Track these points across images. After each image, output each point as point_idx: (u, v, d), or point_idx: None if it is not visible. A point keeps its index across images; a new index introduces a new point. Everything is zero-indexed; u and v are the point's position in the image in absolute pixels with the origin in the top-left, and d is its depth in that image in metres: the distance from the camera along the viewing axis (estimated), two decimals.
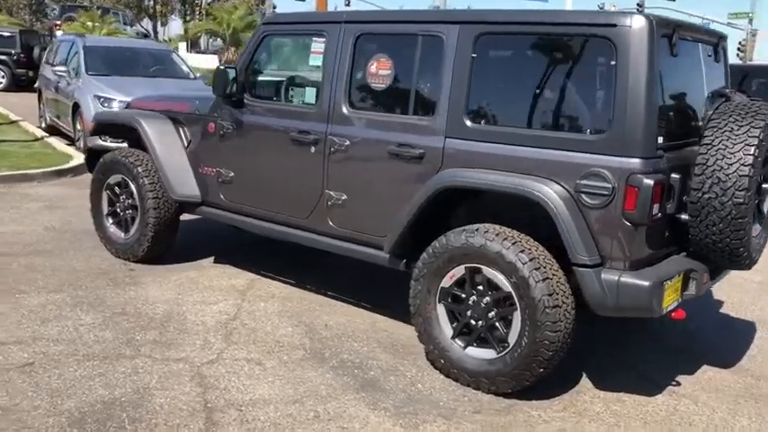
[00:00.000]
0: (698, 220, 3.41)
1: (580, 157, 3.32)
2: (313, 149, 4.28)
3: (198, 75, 12.02)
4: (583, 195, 3.31)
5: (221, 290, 4.92)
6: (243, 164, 4.70)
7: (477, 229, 3.55)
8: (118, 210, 5.44)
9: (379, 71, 4.01)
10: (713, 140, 3.37)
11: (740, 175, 3.27)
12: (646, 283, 3.24)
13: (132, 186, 5.23)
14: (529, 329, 3.41)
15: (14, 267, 5.10)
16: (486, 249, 3.49)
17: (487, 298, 3.59)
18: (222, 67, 4.56)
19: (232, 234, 6.10)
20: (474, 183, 3.56)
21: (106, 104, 9.77)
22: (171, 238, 5.35)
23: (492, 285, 3.56)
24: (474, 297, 3.64)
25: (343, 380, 3.71)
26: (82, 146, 9.20)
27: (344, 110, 4.13)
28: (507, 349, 3.52)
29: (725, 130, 3.36)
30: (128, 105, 5.76)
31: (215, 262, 5.53)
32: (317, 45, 4.32)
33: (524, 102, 3.63)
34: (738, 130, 3.33)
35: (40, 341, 3.91)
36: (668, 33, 3.36)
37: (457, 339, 3.72)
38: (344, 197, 4.17)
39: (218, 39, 31.58)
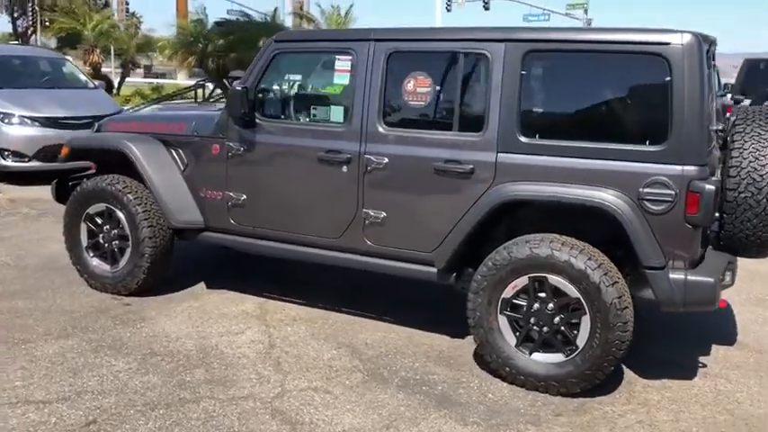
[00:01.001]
0: (733, 216, 3.76)
1: (641, 167, 3.55)
2: (345, 168, 4.23)
3: (97, 83, 11.25)
4: (646, 203, 3.54)
5: (237, 317, 4.74)
6: (258, 186, 4.55)
7: (541, 240, 3.70)
8: (100, 241, 5.06)
9: (418, 89, 4.04)
10: (743, 144, 3.73)
11: None
12: (711, 280, 3.54)
13: (120, 215, 4.89)
14: (600, 331, 3.61)
15: None
16: (554, 259, 3.65)
17: (551, 305, 3.75)
18: (239, 88, 4.38)
19: (208, 258, 5.91)
20: (541, 195, 3.70)
21: (6, 120, 9.00)
22: (166, 268, 5.07)
23: (557, 293, 3.72)
24: (537, 305, 3.78)
25: (417, 398, 3.73)
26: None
27: (380, 128, 4.12)
28: (577, 352, 3.71)
29: (752, 135, 3.72)
30: (98, 128, 5.35)
31: (208, 288, 5.30)
32: (342, 63, 4.26)
33: (579, 116, 3.82)
34: (766, 134, 3.70)
35: (86, 395, 3.61)
36: (707, 48, 3.66)
37: (521, 347, 3.85)
38: (383, 215, 4.17)
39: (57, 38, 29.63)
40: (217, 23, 18.57)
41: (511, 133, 3.79)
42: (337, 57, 4.30)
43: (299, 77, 4.72)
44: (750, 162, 3.69)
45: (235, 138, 4.57)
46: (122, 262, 4.98)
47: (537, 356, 3.83)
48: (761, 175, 3.67)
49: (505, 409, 3.66)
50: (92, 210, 5.02)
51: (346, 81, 4.26)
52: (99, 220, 5.04)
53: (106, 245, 5.05)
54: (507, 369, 3.87)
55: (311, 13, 27.49)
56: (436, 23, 29.84)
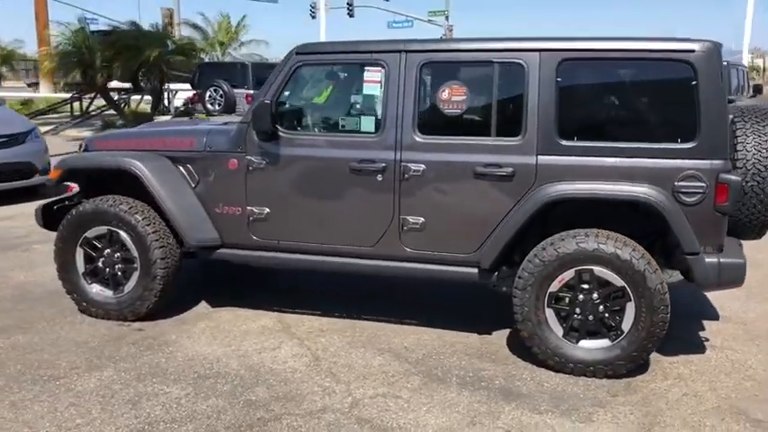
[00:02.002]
0: (741, 203, 4.22)
1: (675, 163, 3.91)
2: (380, 177, 4.30)
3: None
4: (681, 195, 3.90)
5: (262, 333, 4.67)
6: (284, 198, 4.51)
7: (587, 235, 3.97)
8: (100, 266, 4.80)
9: (453, 97, 4.19)
10: (746, 140, 4.20)
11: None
12: (742, 261, 3.96)
13: (125, 237, 4.67)
14: (645, 315, 3.93)
15: (1, 353, 4.28)
16: (601, 251, 3.93)
17: (596, 295, 4.03)
18: (267, 101, 4.32)
19: (197, 277, 5.76)
20: (588, 193, 3.96)
21: None
22: (174, 289, 4.88)
23: (602, 283, 4.00)
24: (582, 296, 4.05)
25: (482, 394, 3.88)
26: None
27: (415, 136, 4.23)
28: (623, 336, 4.00)
29: (753, 131, 4.20)
30: (85, 147, 5.04)
31: (213, 306, 5.15)
32: (372, 74, 4.32)
33: (613, 118, 4.13)
34: (763, 129, 4.19)
35: (159, 425, 3.46)
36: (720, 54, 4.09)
37: (567, 337, 4.10)
38: (422, 220, 4.28)
39: None
40: (103, 33, 17.63)
41: (550, 136, 4.04)
42: (366, 68, 4.36)
43: (322, 89, 4.72)
44: (754, 155, 4.16)
45: (256, 151, 4.50)
46: (128, 286, 4.75)
47: (584, 344, 4.09)
48: (765, 166, 4.15)
49: (566, 395, 3.89)
50: (91, 233, 4.75)
51: (377, 92, 4.33)
52: (98, 244, 4.78)
53: (107, 269, 4.79)
54: (556, 358, 4.10)
55: (195, 21, 26.84)
56: (321, 35, 29.90)
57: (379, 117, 4.32)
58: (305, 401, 3.74)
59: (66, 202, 5.08)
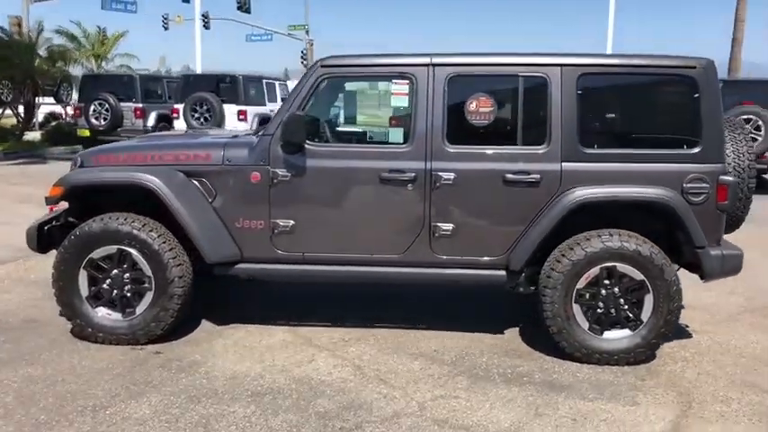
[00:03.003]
0: None
1: (683, 167, 4.36)
2: (410, 186, 4.43)
3: None
4: (689, 196, 4.36)
5: (286, 347, 4.62)
6: (310, 210, 4.50)
7: (611, 234, 4.33)
8: (106, 288, 4.54)
9: (480, 108, 4.41)
10: (727, 147, 4.75)
11: (750, 168, 4.72)
12: (740, 252, 4.48)
13: (138, 257, 4.46)
14: (663, 305, 4.34)
15: (14, 386, 3.94)
16: (624, 249, 4.30)
17: (617, 289, 4.40)
18: (300, 114, 4.31)
19: None
20: (612, 196, 4.32)
21: None
22: (189, 308, 4.70)
23: (623, 278, 4.37)
24: (605, 291, 4.40)
25: (531, 388, 4.10)
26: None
27: (445, 146, 4.41)
28: (642, 325, 4.39)
29: (730, 139, 4.76)
30: (81, 163, 4.72)
31: (218, 325, 5.01)
32: (400, 87, 4.44)
33: (628, 126, 4.52)
34: (739, 137, 4.77)
35: None
36: None
37: (592, 329, 4.43)
38: (452, 227, 4.45)
39: None
40: None
41: (572, 144, 4.36)
42: (394, 81, 4.47)
43: (348, 101, 4.76)
44: (734, 159, 4.71)
45: (280, 164, 4.47)
46: (141, 307, 4.53)
47: (607, 335, 4.44)
48: (743, 169, 4.72)
49: (602, 383, 4.21)
50: (97, 254, 4.48)
51: (405, 104, 4.46)
52: (103, 265, 4.52)
53: (114, 292, 4.54)
54: (584, 350, 4.41)
55: (67, 28, 25.15)
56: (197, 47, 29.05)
57: (408, 128, 4.45)
58: (373, 409, 3.78)
59: (54, 222, 4.74)
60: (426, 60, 4.44)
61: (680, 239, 4.46)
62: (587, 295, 4.41)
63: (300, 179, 4.48)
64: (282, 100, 16.72)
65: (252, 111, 15.02)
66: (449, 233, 4.46)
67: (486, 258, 4.52)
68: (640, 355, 4.43)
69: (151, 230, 4.45)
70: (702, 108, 4.36)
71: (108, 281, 4.53)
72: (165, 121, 16.03)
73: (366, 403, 3.84)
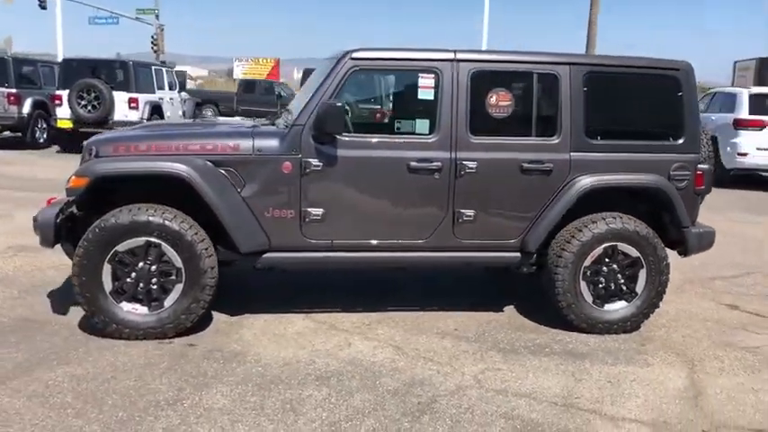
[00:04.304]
0: None
1: (669, 156, 4.96)
2: (437, 175, 4.68)
3: None
4: (675, 182, 4.96)
5: (316, 333, 4.72)
6: (340, 199, 4.62)
7: (613, 217, 4.85)
8: (130, 282, 4.40)
9: (500, 102, 4.75)
10: None
11: (709, 162, 5.44)
12: (713, 229, 5.16)
13: (168, 248, 4.37)
14: (655, 279, 4.93)
15: (66, 386, 3.77)
16: (625, 230, 4.83)
17: (616, 265, 4.93)
18: (339, 104, 4.40)
19: None
20: (615, 182, 4.82)
21: None
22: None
23: (622, 255, 4.90)
24: (605, 268, 4.91)
25: (558, 357, 4.51)
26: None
27: (468, 137, 4.70)
28: (637, 297, 4.96)
29: None
30: (96, 153, 4.47)
31: (232, 315, 4.99)
32: (426, 80, 4.65)
33: (626, 120, 5.02)
34: (702, 134, 5.47)
35: (340, 424, 3.50)
36: None
37: (595, 303, 4.93)
38: (474, 212, 4.76)
39: None
40: None
41: (580, 136, 4.82)
42: (420, 74, 4.69)
43: (378, 92, 4.88)
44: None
45: (312, 154, 4.55)
46: (169, 300, 4.44)
47: (608, 307, 4.96)
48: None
49: (612, 349, 4.71)
50: (123, 247, 4.33)
51: (431, 96, 4.68)
52: (128, 259, 4.37)
53: (140, 285, 4.41)
54: (590, 321, 4.91)
55: None
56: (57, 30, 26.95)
57: (434, 119, 4.69)
58: (435, 384, 4.02)
59: (60, 215, 4.50)
60: (451, 56, 4.70)
61: (666, 220, 5.06)
62: (592, 272, 4.90)
63: (332, 169, 4.58)
64: (170, 87, 16.17)
65: (143, 98, 14.38)
66: (471, 219, 4.77)
67: (503, 241, 4.87)
68: (635, 323, 4.99)
69: (182, 221, 4.37)
70: (684, 104, 4.98)
71: (133, 274, 4.39)
72: (41, 109, 14.93)
73: (426, 379, 4.07)
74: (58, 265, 6.08)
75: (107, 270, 4.35)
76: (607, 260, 4.90)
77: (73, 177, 4.32)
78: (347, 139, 4.59)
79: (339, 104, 4.42)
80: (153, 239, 4.34)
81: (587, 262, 4.85)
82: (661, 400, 3.96)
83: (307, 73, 14.83)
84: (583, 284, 4.88)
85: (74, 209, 4.57)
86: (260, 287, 5.72)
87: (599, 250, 4.86)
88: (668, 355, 4.66)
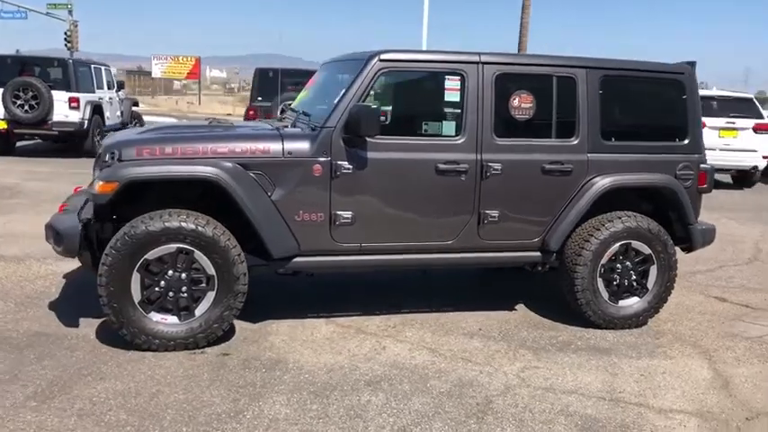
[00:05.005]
0: None
1: (675, 156, 5.17)
2: (464, 177, 4.71)
3: None
4: (681, 180, 5.18)
5: (345, 338, 4.67)
6: (370, 201, 4.57)
7: (628, 216, 5.01)
8: (160, 291, 4.23)
9: (522, 104, 4.82)
10: None
11: None
12: (714, 226, 5.41)
13: (200, 255, 4.23)
14: (665, 274, 5.14)
15: (112, 402, 3.59)
16: (640, 228, 5.01)
17: (629, 262, 5.10)
18: (374, 106, 4.35)
19: None
20: (633, 182, 4.98)
21: None
22: None
23: (635, 252, 5.08)
24: (620, 265, 5.08)
25: (585, 353, 4.64)
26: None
27: (493, 139, 4.76)
28: (648, 292, 5.15)
29: None
30: (119, 157, 4.24)
31: (254, 322, 4.86)
32: (453, 82, 4.67)
33: (637, 122, 5.19)
34: None
35: (411, 428, 3.48)
36: None
37: (610, 300, 5.09)
38: (498, 213, 4.82)
39: None
40: None
41: (596, 138, 4.96)
42: (447, 76, 4.70)
43: (406, 94, 4.84)
44: None
45: (342, 156, 4.49)
46: (200, 309, 4.29)
47: (621, 303, 5.12)
48: None
49: (633, 344, 4.87)
50: (152, 254, 4.16)
51: (457, 98, 4.71)
52: (157, 267, 4.20)
53: (170, 294, 4.25)
54: (606, 318, 5.06)
55: None
56: None
57: (460, 121, 4.72)
58: (484, 384, 4.05)
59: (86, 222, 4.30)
60: (475, 58, 4.74)
61: (673, 218, 5.27)
62: (607, 269, 5.05)
63: (362, 171, 4.53)
64: (108, 86, 15.54)
65: (84, 98, 13.75)
66: (495, 219, 4.82)
67: (524, 241, 4.96)
68: (646, 318, 5.19)
69: (215, 227, 4.24)
70: (688, 107, 5.21)
71: (162, 283, 4.21)
72: None
73: (474, 380, 4.10)
74: (45, 274, 5.78)
75: (136, 279, 4.16)
76: (621, 257, 5.06)
77: (100, 183, 4.10)
78: (377, 141, 4.55)
79: (374, 106, 4.38)
80: (185, 246, 4.18)
81: (604, 260, 5.00)
82: (696, 391, 4.13)
83: (262, 73, 14.57)
84: (600, 282, 5.03)
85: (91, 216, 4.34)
86: (273, 292, 5.59)
87: (615, 248, 5.01)
88: (684, 347, 4.86)
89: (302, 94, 5.71)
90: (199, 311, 4.29)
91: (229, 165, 4.30)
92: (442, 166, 4.66)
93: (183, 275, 4.24)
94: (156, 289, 4.22)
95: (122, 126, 16.45)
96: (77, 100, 13.53)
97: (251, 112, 13.30)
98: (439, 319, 5.14)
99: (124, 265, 4.11)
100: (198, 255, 4.22)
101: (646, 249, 5.08)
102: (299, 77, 14.63)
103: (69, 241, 4.16)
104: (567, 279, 5.02)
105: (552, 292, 5.69)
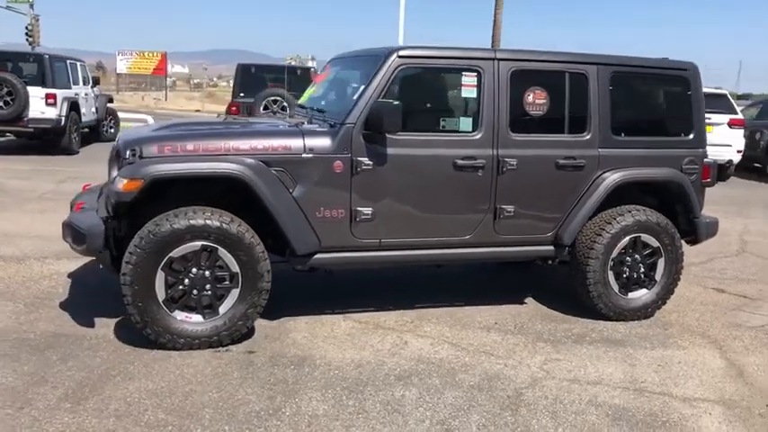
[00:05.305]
0: None
1: (681, 151, 5.29)
2: (480, 172, 4.76)
3: None
4: (687, 175, 5.30)
5: (365, 333, 4.69)
6: (389, 197, 4.59)
7: (638, 210, 5.12)
8: (184, 289, 4.20)
9: (536, 100, 4.89)
10: None
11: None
12: (717, 218, 5.55)
13: (225, 253, 4.21)
14: (672, 267, 5.26)
15: (146, 402, 3.56)
16: (649, 222, 5.12)
17: (638, 256, 5.21)
18: (396, 102, 4.37)
19: None
20: (643, 176, 5.09)
21: None
22: None
23: (644, 246, 5.19)
24: (629, 258, 5.19)
25: (601, 345, 4.72)
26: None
27: (509, 134, 4.82)
28: (656, 284, 5.26)
29: None
30: (140, 154, 4.18)
31: (271, 320, 4.84)
32: (469, 78, 4.71)
33: (644, 118, 5.29)
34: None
35: (450, 421, 3.52)
36: None
37: (620, 292, 5.19)
38: (513, 208, 4.88)
39: None
40: None
41: (606, 133, 5.05)
42: (464, 73, 4.74)
43: (424, 90, 4.85)
44: None
45: (363, 152, 4.50)
46: (224, 306, 4.27)
47: (631, 295, 5.23)
48: None
49: (643, 335, 4.98)
50: (177, 252, 4.12)
51: (473, 94, 4.75)
52: (181, 265, 4.17)
53: (194, 292, 4.22)
54: (617, 310, 5.16)
55: None
56: None
57: (477, 117, 4.77)
58: (511, 377, 4.11)
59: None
60: (491, 54, 4.79)
61: (678, 211, 5.40)
62: (616, 262, 5.15)
63: (382, 167, 4.55)
64: (84, 82, 15.24)
65: (61, 94, 13.46)
66: (511, 214, 4.88)
67: (538, 235, 5.03)
68: (654, 309, 5.30)
69: (239, 225, 4.22)
70: (693, 102, 5.33)
71: (186, 281, 4.18)
72: None
73: (501, 373, 4.16)
74: (48, 274, 5.68)
75: (160, 277, 4.12)
76: (630, 250, 5.16)
77: (125, 181, 4.04)
78: (396, 137, 4.56)
79: (396, 103, 4.39)
80: (209, 244, 4.16)
81: (614, 253, 5.10)
82: (713, 380, 4.25)
83: (244, 69, 14.43)
84: (610, 274, 5.12)
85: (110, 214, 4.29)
86: (287, 289, 5.55)
87: (625, 241, 5.11)
88: (693, 337, 4.98)
89: (311, 91, 5.69)
90: (223, 309, 4.26)
91: (252, 162, 4.28)
92: (459, 162, 4.69)
93: (207, 273, 4.21)
94: (180, 287, 4.18)
95: (97, 123, 16.17)
96: (54, 96, 13.23)
97: (233, 109, 13.17)
98: (454, 313, 5.19)
99: (149, 263, 4.06)
100: (222, 252, 4.19)
101: (654, 242, 5.19)
102: (281, 73, 14.60)
103: (93, 240, 4.10)
104: (579, 272, 5.11)
105: (558, 284, 5.81)
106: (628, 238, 5.11)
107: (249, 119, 5.60)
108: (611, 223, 5.05)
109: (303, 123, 4.76)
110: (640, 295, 5.25)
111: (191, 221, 4.10)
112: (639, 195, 5.32)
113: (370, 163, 4.52)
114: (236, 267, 4.23)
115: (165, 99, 45.80)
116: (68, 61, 14.57)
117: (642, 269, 5.23)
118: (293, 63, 40.08)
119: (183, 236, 4.10)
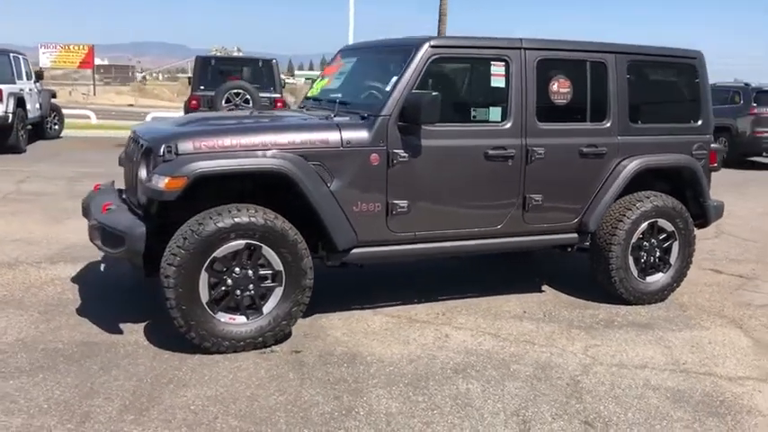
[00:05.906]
0: None
1: (691, 137, 5.44)
2: (510, 162, 4.77)
3: None
4: (697, 160, 5.46)
5: (401, 327, 4.64)
6: (423, 189, 4.54)
7: (655, 196, 5.23)
8: (226, 290, 4.05)
9: (560, 89, 4.92)
10: None
11: None
12: (723, 202, 5.73)
13: (268, 251, 4.08)
14: (686, 250, 5.41)
15: (213, 411, 3.42)
16: (666, 207, 5.25)
17: (654, 240, 5.33)
18: (434, 93, 4.31)
19: None
20: (660, 163, 5.20)
21: None
22: None
23: (660, 230, 5.32)
24: (647, 243, 5.30)
25: (630, 329, 4.81)
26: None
27: (536, 123, 4.84)
28: (671, 267, 5.40)
29: None
30: (176, 151, 3.97)
31: (305, 317, 4.71)
32: (498, 68, 4.69)
33: (658, 105, 5.40)
34: None
35: (521, 412, 3.52)
36: None
37: (639, 276, 5.31)
38: (541, 197, 4.91)
39: None
40: None
41: (624, 121, 5.14)
42: (492, 63, 4.72)
43: (454, 80, 4.79)
44: None
45: (398, 144, 4.43)
46: (268, 306, 4.15)
47: (648, 279, 5.35)
48: None
49: (666, 318, 5.10)
50: (220, 252, 3.96)
51: (502, 84, 4.74)
52: (220, 266, 4.01)
53: (237, 292, 4.07)
54: (636, 294, 5.27)
55: None
56: None
57: (506, 107, 4.76)
58: (561, 365, 4.14)
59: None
60: (518, 44, 4.78)
61: (689, 196, 5.55)
62: (635, 247, 5.25)
63: (417, 159, 4.49)
64: (27, 77, 14.51)
65: (7, 90, 12.78)
66: (539, 203, 4.91)
67: (564, 223, 5.08)
68: (669, 292, 5.45)
69: (283, 222, 4.09)
70: (701, 90, 5.48)
71: (229, 281, 4.03)
72: None
73: (550, 361, 4.18)
74: (49, 279, 5.39)
75: (204, 278, 3.95)
76: (648, 235, 5.28)
77: (167, 179, 3.84)
78: (430, 128, 4.51)
79: (435, 93, 4.33)
80: (254, 242, 4.01)
81: (634, 238, 5.20)
82: (748, 358, 4.40)
83: (204, 62, 14.02)
84: (630, 259, 5.23)
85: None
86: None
87: (644, 226, 5.22)
88: (712, 318, 5.14)
89: (323, 83, 5.56)
90: (267, 309, 4.13)
91: (293, 156, 4.15)
92: (490, 152, 4.69)
93: (250, 272, 4.07)
94: (223, 288, 4.03)
95: (41, 119, 15.44)
96: (0, 92, 12.56)
97: (194, 102, 12.80)
98: (479, 304, 5.19)
99: (193, 264, 3.89)
100: (266, 250, 4.06)
101: (669, 227, 5.32)
102: (240, 65, 14.28)
103: (134, 242, 3.89)
104: (602, 258, 5.19)
105: (571, 271, 5.89)
106: (646, 223, 5.21)
107: (274, 112, 5.43)
108: (631, 209, 5.15)
109: (331, 116, 4.64)
110: (657, 279, 5.38)
111: (235, 219, 3.95)
112: (653, 181, 5.43)
113: (406, 155, 4.45)
114: (279, 265, 4.11)
115: (94, 94, 44.23)
116: (11, 55, 13.85)
117: (658, 253, 5.35)
118: (218, 54, 39.17)
119: (228, 234, 3.94)
